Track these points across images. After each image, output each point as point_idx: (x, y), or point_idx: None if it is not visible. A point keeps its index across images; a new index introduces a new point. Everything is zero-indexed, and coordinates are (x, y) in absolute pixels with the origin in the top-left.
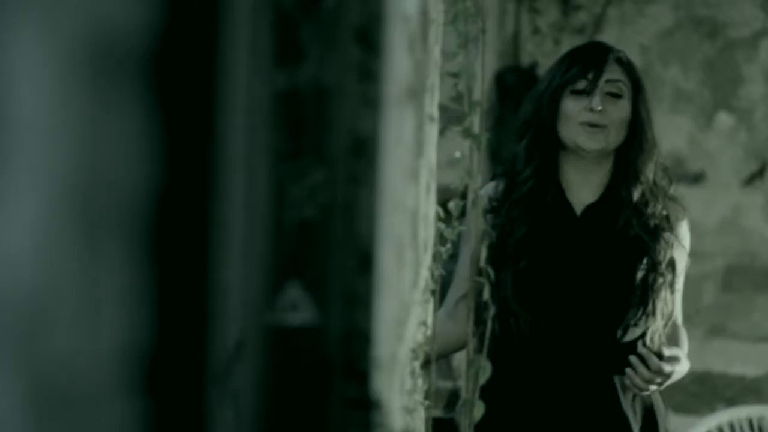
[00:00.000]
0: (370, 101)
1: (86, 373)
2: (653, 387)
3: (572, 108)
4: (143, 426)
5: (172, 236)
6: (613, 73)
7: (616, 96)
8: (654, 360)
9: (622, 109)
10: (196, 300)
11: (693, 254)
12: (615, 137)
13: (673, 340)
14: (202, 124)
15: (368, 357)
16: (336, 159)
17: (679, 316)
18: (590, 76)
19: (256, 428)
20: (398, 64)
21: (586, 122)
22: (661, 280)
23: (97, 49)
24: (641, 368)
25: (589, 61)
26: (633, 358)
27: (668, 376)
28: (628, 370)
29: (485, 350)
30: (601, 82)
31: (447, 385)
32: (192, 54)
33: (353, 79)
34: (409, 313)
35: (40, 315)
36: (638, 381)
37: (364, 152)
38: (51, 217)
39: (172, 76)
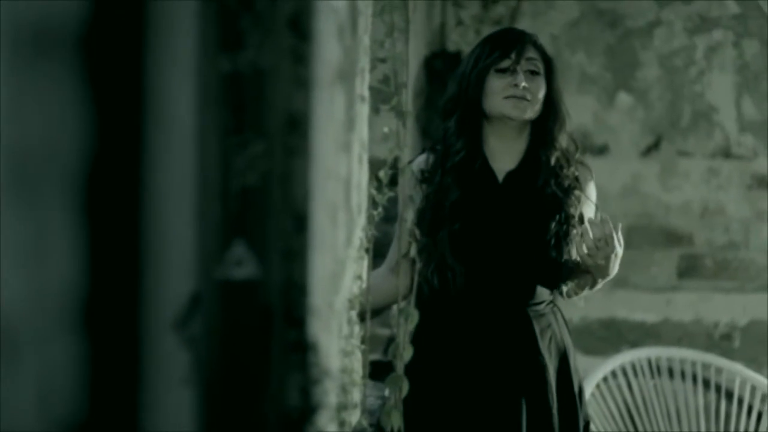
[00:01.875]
0: (303, 82)
1: (29, 316)
2: (600, 255)
3: (497, 85)
4: (82, 363)
5: (104, 194)
6: (530, 53)
7: (535, 73)
8: (607, 225)
9: (539, 85)
10: (127, 250)
11: None
12: (536, 109)
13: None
14: (131, 95)
15: (305, 305)
16: (274, 133)
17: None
18: (512, 56)
19: (209, 369)
20: (328, 49)
21: (512, 95)
22: (573, 231)
23: (30, 31)
24: (592, 232)
25: (510, 44)
26: (584, 225)
27: (612, 246)
28: (579, 238)
29: (413, 300)
30: (522, 61)
31: (385, 332)
32: (120, 33)
33: (287, 63)
34: (345, 268)
35: None
36: (589, 243)
37: (298, 127)
38: None
39: (101, 54)
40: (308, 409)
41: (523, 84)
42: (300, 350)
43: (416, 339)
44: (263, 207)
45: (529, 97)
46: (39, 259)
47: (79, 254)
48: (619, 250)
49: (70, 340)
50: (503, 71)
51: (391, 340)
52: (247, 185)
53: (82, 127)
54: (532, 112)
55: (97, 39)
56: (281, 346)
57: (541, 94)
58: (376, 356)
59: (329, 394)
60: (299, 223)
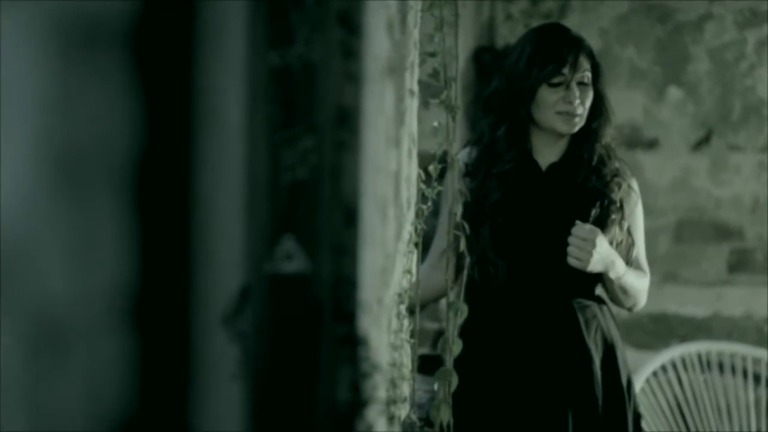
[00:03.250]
0: (353, 76)
1: (78, 311)
2: (585, 256)
3: (549, 99)
4: (131, 360)
5: (154, 190)
6: (582, 64)
7: (585, 84)
8: (583, 227)
9: (588, 95)
10: (177, 246)
11: (649, 211)
12: (586, 118)
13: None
14: (181, 91)
15: (354, 300)
16: (323, 128)
17: (643, 262)
18: (566, 71)
19: (259, 364)
20: (377, 43)
21: (564, 111)
22: (613, 216)
23: (82, 25)
24: (576, 230)
25: (563, 57)
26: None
27: (593, 243)
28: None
29: (462, 294)
30: (576, 77)
31: (434, 326)
32: (170, 29)
33: (337, 57)
34: (394, 263)
35: (30, 261)
36: (574, 249)
37: (348, 121)
38: (39, 175)
39: (151, 50)
40: (358, 404)
41: (577, 101)
42: (350, 344)
43: (463, 333)
44: (313, 201)
45: (580, 111)
46: (89, 255)
47: (129, 251)
48: (598, 265)
49: (120, 337)
50: (556, 85)
51: (439, 334)
52: (297, 180)
53: (132, 122)
54: (581, 124)
55: (147, 34)
56: (331, 340)
57: (589, 102)
58: (425, 350)
59: (379, 388)
60: (349, 217)
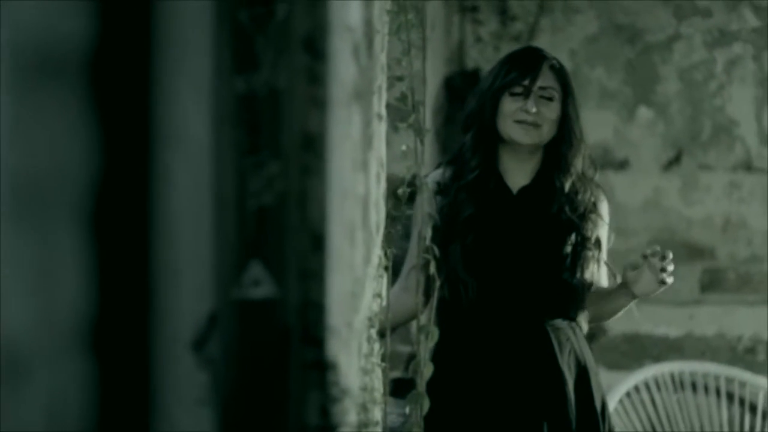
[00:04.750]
0: (318, 102)
1: (38, 338)
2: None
3: (509, 107)
4: (92, 385)
5: (112, 216)
6: (546, 80)
7: (548, 99)
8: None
9: (552, 111)
10: (137, 271)
11: (620, 231)
12: (547, 134)
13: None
14: (139, 117)
15: (323, 324)
16: (289, 153)
17: (604, 283)
18: (526, 82)
19: (227, 389)
20: (343, 68)
21: (522, 121)
22: (589, 253)
23: (35, 54)
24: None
25: (526, 68)
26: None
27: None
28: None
29: (433, 317)
30: (536, 87)
31: (406, 349)
32: (128, 56)
33: (302, 83)
34: (364, 287)
35: None
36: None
37: (313, 147)
38: None
39: (109, 77)
40: (328, 428)
41: (533, 110)
42: (318, 369)
43: (435, 353)
44: (280, 227)
45: (539, 122)
46: (47, 281)
47: (87, 276)
48: (668, 280)
49: (80, 363)
50: (517, 95)
51: (412, 357)
52: (264, 205)
53: (90, 150)
54: (540, 138)
55: (104, 62)
56: (299, 365)
57: (553, 118)
58: (397, 373)
59: (349, 412)
60: (316, 242)
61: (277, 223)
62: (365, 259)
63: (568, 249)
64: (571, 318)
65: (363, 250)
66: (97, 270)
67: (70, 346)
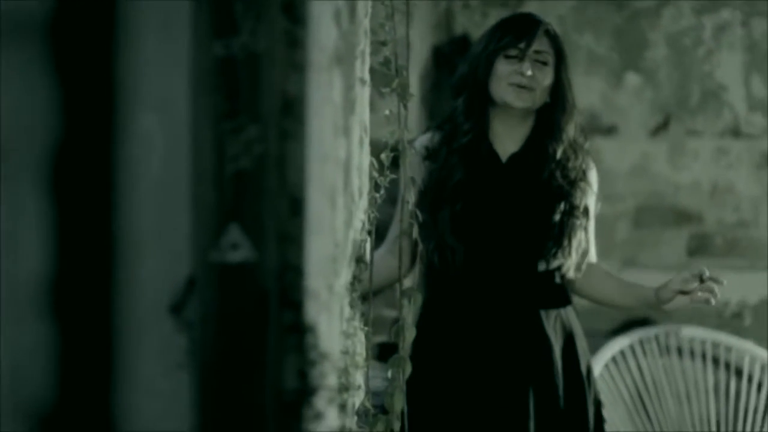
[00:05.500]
0: (297, 66)
1: (3, 298)
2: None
3: (504, 70)
4: (52, 350)
5: (76, 182)
6: (541, 44)
7: (543, 63)
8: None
9: (546, 75)
10: (98, 236)
11: (608, 197)
12: (540, 98)
13: (598, 274)
14: (102, 80)
15: (301, 288)
16: (268, 117)
17: (593, 253)
18: (522, 45)
19: (205, 353)
20: (324, 32)
21: (516, 83)
22: (577, 222)
23: None
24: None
25: (521, 31)
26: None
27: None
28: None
29: (417, 281)
30: (531, 51)
31: (392, 313)
32: (89, 21)
33: (282, 47)
34: (345, 251)
35: None
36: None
37: (292, 110)
38: None
39: (70, 40)
40: (305, 391)
41: (528, 72)
42: (296, 332)
43: (423, 319)
44: (258, 191)
45: (533, 86)
46: (6, 244)
47: (47, 240)
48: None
49: (40, 328)
50: (511, 57)
51: (396, 321)
52: (242, 169)
53: (52, 114)
54: (533, 102)
55: (67, 24)
56: (278, 328)
57: (547, 84)
58: (384, 338)
59: (328, 375)
60: (295, 206)
61: (256, 187)
62: (347, 223)
63: (557, 217)
64: (558, 285)
65: (344, 214)
66: (59, 233)
67: (30, 310)
